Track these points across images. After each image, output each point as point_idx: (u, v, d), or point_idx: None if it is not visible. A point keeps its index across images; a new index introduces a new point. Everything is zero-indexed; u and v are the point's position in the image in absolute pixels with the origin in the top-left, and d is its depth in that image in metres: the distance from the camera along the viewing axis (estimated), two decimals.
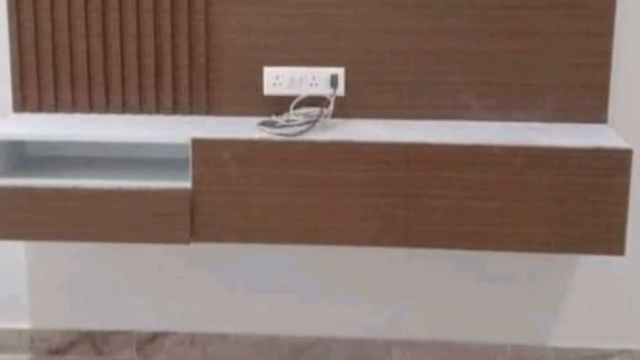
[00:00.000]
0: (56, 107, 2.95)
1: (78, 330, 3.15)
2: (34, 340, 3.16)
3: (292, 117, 2.78)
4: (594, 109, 2.84)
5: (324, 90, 2.85)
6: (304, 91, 2.85)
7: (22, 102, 2.96)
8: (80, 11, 2.84)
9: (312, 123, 2.73)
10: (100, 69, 2.91)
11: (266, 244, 2.79)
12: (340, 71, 2.86)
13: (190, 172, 2.67)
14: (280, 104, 2.86)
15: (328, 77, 2.86)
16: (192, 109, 2.94)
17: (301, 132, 2.69)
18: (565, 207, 2.60)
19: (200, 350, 3.13)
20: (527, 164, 2.59)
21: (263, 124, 2.76)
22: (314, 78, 2.87)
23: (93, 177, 2.77)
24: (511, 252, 2.73)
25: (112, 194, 2.68)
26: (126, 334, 3.14)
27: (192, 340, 3.12)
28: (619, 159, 2.56)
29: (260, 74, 2.89)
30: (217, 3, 2.84)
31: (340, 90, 2.87)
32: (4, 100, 2.98)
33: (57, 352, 3.19)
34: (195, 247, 2.83)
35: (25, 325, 3.17)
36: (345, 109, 2.89)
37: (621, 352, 2.98)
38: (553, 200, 2.60)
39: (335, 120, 2.85)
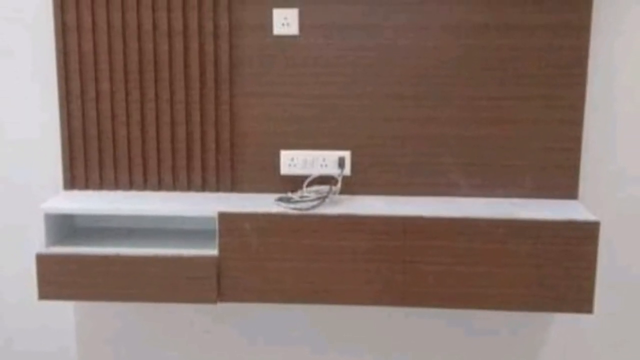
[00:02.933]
0: (101, 185, 3.28)
1: None
2: None
3: (305, 194, 3.11)
4: (566, 186, 3.14)
5: (333, 170, 3.18)
6: (316, 171, 3.18)
7: (72, 181, 3.28)
8: (122, 102, 3.18)
9: (322, 199, 3.05)
10: (139, 152, 3.23)
11: (282, 304, 3.10)
12: (347, 154, 3.18)
13: (216, 241, 2.97)
14: (295, 182, 3.19)
15: (336, 159, 3.18)
16: (218, 187, 3.26)
17: (313, 207, 3.01)
18: (541, 272, 2.90)
19: None
20: (509, 235, 2.88)
21: (280, 199, 3.09)
22: (324, 160, 3.20)
23: (133, 245, 3.09)
24: (495, 310, 3.02)
25: (150, 260, 2.99)
26: None
27: None
28: (588, 230, 2.85)
29: (278, 156, 3.21)
30: (240, 95, 3.17)
31: (347, 171, 3.19)
32: (56, 179, 3.31)
33: None
34: (221, 306, 3.11)
35: None
36: (351, 186, 3.20)
37: None
38: (531, 265, 2.90)
39: (343, 197, 3.16)
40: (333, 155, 3.20)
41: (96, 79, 3.17)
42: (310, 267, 2.99)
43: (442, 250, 2.93)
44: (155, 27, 3.11)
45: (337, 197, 3.16)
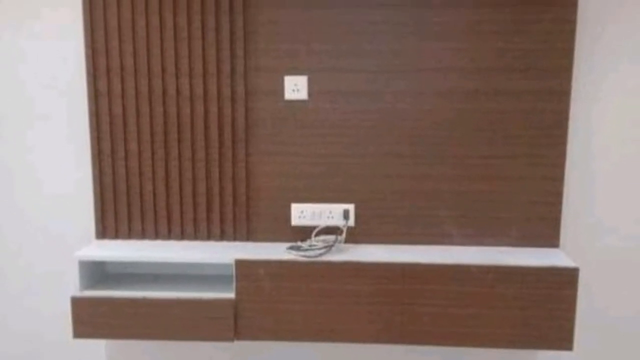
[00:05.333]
0: (129, 235, 3.48)
1: None
2: None
3: (314, 243, 3.31)
4: (549, 236, 3.35)
5: (339, 221, 3.39)
6: (323, 222, 3.39)
7: (103, 231, 3.48)
8: (148, 160, 3.40)
9: (329, 247, 3.26)
10: (163, 205, 3.44)
11: (293, 341, 3.24)
12: (351, 207, 3.40)
13: (233, 285, 3.19)
14: (304, 232, 3.41)
15: (341, 211, 3.40)
16: (235, 236, 3.46)
17: (321, 255, 3.21)
18: (526, 313, 3.10)
19: None
20: (497, 279, 3.11)
21: (291, 248, 3.30)
22: (330, 212, 3.40)
23: (158, 289, 3.29)
24: (484, 348, 3.22)
25: (173, 302, 3.20)
26: None
27: None
28: (568, 276, 3.08)
29: (289, 209, 3.43)
30: (255, 154, 3.38)
31: (351, 222, 3.41)
32: (89, 230, 3.51)
33: None
34: (238, 344, 3.33)
35: None
36: (355, 236, 3.42)
37: None
38: (517, 307, 3.10)
39: (347, 245, 3.37)
40: (338, 208, 3.41)
41: (125, 140, 3.40)
42: (318, 308, 3.18)
43: (437, 293, 3.14)
44: (178, 92, 3.34)
45: (343, 245, 3.36)
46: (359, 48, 3.29)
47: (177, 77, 3.34)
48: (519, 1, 3.20)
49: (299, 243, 3.38)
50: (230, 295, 3.22)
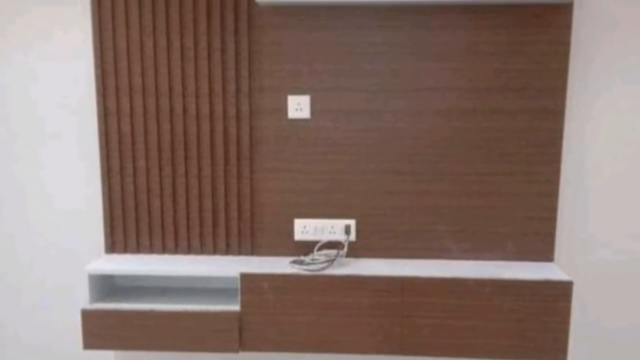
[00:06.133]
0: (138, 249, 3.54)
1: None
2: None
3: (316, 257, 3.37)
4: (544, 251, 3.41)
5: (340, 236, 3.45)
6: (325, 237, 3.46)
7: (112, 246, 3.54)
8: (156, 177, 3.46)
9: (331, 261, 3.31)
10: (171, 221, 3.50)
11: (296, 352, 3.30)
12: (352, 222, 3.46)
13: (238, 298, 3.25)
14: (307, 247, 3.47)
15: (343, 226, 3.45)
16: (240, 251, 3.52)
17: (323, 269, 3.26)
18: (522, 325, 3.16)
19: None
20: (494, 293, 3.16)
21: (294, 262, 3.35)
22: (332, 227, 3.46)
23: (165, 302, 3.36)
24: (482, 359, 3.22)
25: (180, 314, 3.25)
26: None
27: None
28: (562, 289, 3.13)
29: (292, 224, 3.49)
30: (259, 171, 3.45)
31: (353, 237, 3.47)
32: (99, 244, 3.57)
33: None
34: (242, 355, 3.37)
35: None
36: (356, 250, 3.48)
37: None
38: (513, 320, 3.16)
39: (349, 259, 3.44)
40: (340, 223, 3.47)
41: (134, 157, 3.47)
42: (320, 320, 3.24)
43: (436, 306, 3.20)
44: (185, 111, 3.41)
45: (344, 259, 3.42)
46: (360, 68, 3.35)
47: (184, 97, 3.40)
48: (515, 23, 3.26)
49: (301, 257, 3.43)
50: (235, 307, 3.27)
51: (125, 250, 3.59)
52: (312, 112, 3.41)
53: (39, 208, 3.70)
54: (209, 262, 3.47)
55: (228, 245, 3.57)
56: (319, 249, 3.45)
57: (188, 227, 3.55)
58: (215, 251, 3.57)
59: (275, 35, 3.37)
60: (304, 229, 3.50)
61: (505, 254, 3.47)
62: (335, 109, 3.40)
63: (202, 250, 3.57)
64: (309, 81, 3.39)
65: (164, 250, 3.58)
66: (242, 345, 3.29)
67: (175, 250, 3.57)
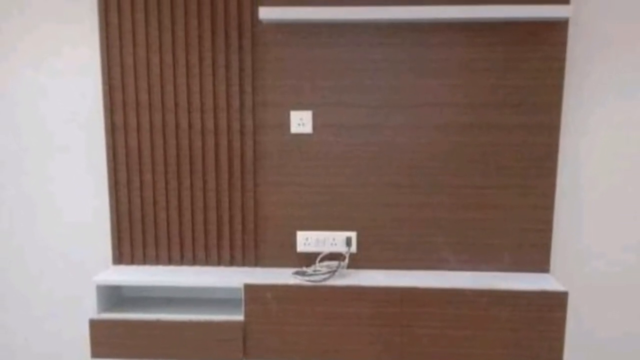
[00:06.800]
0: (144, 260, 3.59)
1: None
2: None
3: (318, 268, 3.41)
4: (539, 262, 3.46)
5: (341, 248, 3.50)
6: (327, 249, 3.50)
7: (119, 257, 3.59)
8: (162, 190, 3.51)
9: (332, 272, 3.35)
10: (176, 233, 3.54)
11: None
12: (353, 234, 3.51)
13: (242, 308, 3.29)
14: (309, 258, 3.52)
15: (344, 238, 3.50)
16: (244, 262, 3.57)
17: (324, 279, 3.30)
18: (518, 335, 3.21)
19: None
20: (490, 303, 3.20)
21: (296, 273, 3.40)
22: (334, 239, 3.50)
23: (171, 312, 3.40)
24: None
25: (185, 324, 3.29)
26: None
27: None
28: (558, 299, 3.17)
29: (294, 236, 3.54)
30: (262, 184, 3.50)
31: (353, 248, 3.52)
32: (106, 256, 3.62)
33: None
34: None
35: None
36: (357, 262, 3.53)
37: None
38: (509, 329, 3.21)
39: (350, 270, 3.49)
40: (341, 235, 3.52)
41: (140, 171, 3.53)
42: (322, 330, 3.28)
43: (434, 316, 3.24)
44: (190, 126, 3.47)
45: (345, 271, 3.47)
46: (360, 84, 3.41)
47: (189, 112, 3.46)
48: (511, 40, 3.32)
49: (304, 268, 3.48)
50: (240, 317, 3.32)
51: (132, 261, 3.63)
52: (314, 127, 3.45)
53: (48, 220, 3.75)
54: (213, 273, 3.50)
55: (232, 256, 3.61)
56: (321, 260, 3.50)
57: (193, 239, 3.59)
58: (219, 262, 3.61)
59: (278, 52, 3.41)
60: (306, 240, 3.54)
61: (501, 265, 3.51)
62: (337, 123, 3.44)
63: (207, 261, 3.61)
64: (311, 97, 3.43)
65: (169, 261, 3.62)
66: (246, 354, 3.33)
67: (181, 261, 3.62)
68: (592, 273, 3.59)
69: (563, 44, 3.31)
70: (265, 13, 3.25)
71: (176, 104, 3.47)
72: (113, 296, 3.58)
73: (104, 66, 3.47)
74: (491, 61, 3.35)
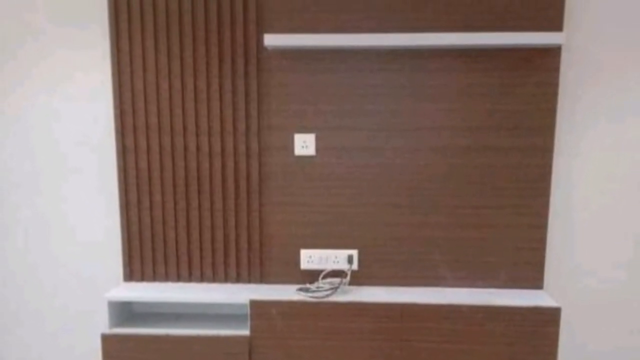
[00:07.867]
0: (154, 277, 3.66)
1: None
2: None
3: (321, 285, 3.46)
4: (533, 279, 3.52)
5: (343, 265, 3.55)
6: (329, 266, 3.55)
7: (130, 274, 3.65)
8: (171, 210, 3.58)
9: (335, 289, 3.40)
10: (185, 251, 3.60)
11: None
12: (354, 252, 3.56)
13: (248, 323, 3.36)
14: (312, 275, 3.58)
15: (346, 256, 3.56)
16: (250, 279, 3.63)
17: (327, 296, 3.35)
18: (513, 349, 3.27)
19: None
20: (486, 318, 3.26)
21: (300, 289, 3.45)
22: (336, 257, 3.56)
23: (180, 327, 3.46)
24: None
25: (194, 339, 3.36)
26: None
27: None
28: (551, 315, 3.23)
29: (298, 254, 3.59)
30: (267, 204, 3.56)
31: (355, 266, 3.57)
32: (117, 273, 3.69)
33: None
34: None
35: None
36: (358, 279, 3.58)
37: None
38: (504, 344, 3.27)
39: (351, 287, 3.55)
40: (343, 253, 3.57)
41: (150, 192, 3.58)
42: (325, 344, 3.34)
43: (433, 330, 3.30)
44: (198, 148, 3.52)
45: (347, 287, 3.53)
46: (361, 108, 3.46)
47: (197, 135, 3.51)
48: (506, 66, 3.38)
49: (307, 285, 3.54)
50: (245, 332, 3.37)
51: (142, 278, 3.69)
52: (317, 149, 3.50)
53: (62, 239, 3.80)
54: (220, 289, 3.55)
55: (238, 273, 3.66)
56: (324, 277, 3.54)
57: (201, 257, 3.64)
58: (226, 279, 3.66)
59: (283, 77, 3.46)
60: (310, 258, 3.59)
61: (497, 282, 3.56)
62: (339, 146, 3.49)
63: (214, 278, 3.66)
64: (314, 120, 3.48)
65: (178, 278, 3.67)
66: None
67: (189, 278, 3.67)
68: (584, 290, 3.64)
69: (556, 69, 3.36)
70: (270, 40, 3.32)
71: (185, 128, 3.50)
72: (124, 312, 3.62)
73: (115, 91, 3.52)
74: (487, 86, 3.40)
